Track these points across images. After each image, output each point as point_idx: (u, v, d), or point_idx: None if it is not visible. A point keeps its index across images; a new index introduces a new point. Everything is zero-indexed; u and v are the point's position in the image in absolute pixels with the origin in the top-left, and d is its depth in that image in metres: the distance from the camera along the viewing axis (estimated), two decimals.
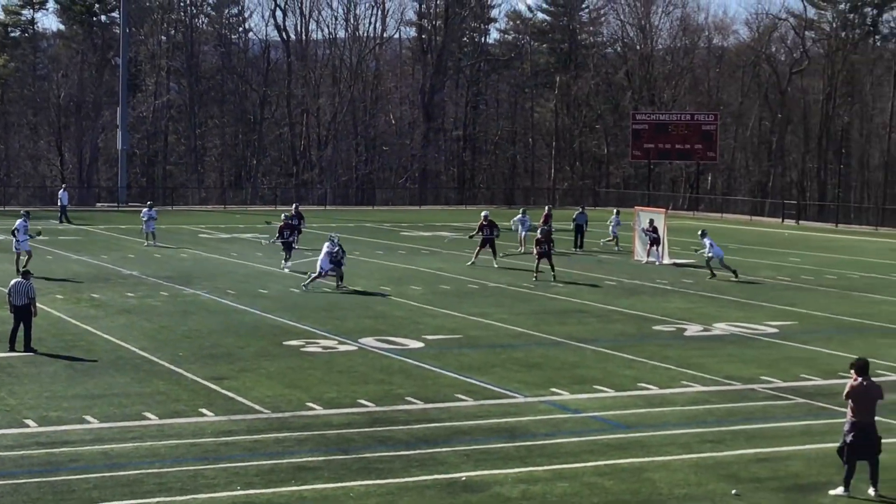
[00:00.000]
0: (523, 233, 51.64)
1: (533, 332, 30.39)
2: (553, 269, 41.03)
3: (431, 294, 37.49)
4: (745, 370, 25.74)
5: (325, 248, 38.21)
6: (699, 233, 44.00)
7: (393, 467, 17.74)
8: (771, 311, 35.05)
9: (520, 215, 52.99)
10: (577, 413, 21.53)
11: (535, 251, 41.88)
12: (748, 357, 27.42)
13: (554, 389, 23.39)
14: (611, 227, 54.07)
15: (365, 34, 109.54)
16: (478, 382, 23.96)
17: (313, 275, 38.19)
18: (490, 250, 45.22)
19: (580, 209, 56.94)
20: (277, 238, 44.34)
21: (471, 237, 47.17)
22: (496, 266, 44.07)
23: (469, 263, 45.10)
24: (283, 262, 43.48)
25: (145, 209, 52.39)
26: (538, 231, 43.44)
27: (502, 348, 28.08)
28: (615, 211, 56.73)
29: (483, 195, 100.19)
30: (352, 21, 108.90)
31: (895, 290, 40.73)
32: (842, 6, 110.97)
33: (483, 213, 46.61)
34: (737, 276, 42.26)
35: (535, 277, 41.02)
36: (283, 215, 46.13)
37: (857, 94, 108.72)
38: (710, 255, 42.63)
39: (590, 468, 17.86)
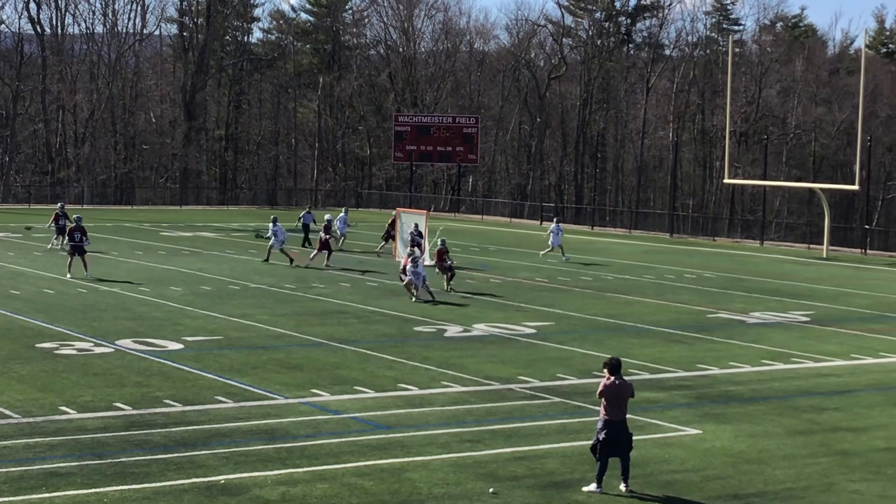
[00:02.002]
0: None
1: (294, 333, 30.26)
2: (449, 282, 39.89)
3: (192, 295, 36.96)
4: (503, 370, 26.15)
5: None
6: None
7: (150, 471, 17.39)
8: (529, 312, 35.73)
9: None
10: (338, 414, 21.51)
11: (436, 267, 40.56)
12: (507, 357, 27.87)
13: (315, 390, 23.32)
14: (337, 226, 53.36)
15: (124, 30, 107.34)
16: (238, 384, 23.71)
17: None
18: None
19: (307, 209, 58.82)
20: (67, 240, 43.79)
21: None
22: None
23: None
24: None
25: None
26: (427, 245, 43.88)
27: (263, 349, 27.87)
28: (344, 209, 57.14)
29: (245, 195, 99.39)
30: (110, 16, 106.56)
31: (647, 291, 42.05)
32: (598, 14, 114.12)
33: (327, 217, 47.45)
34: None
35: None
36: (74, 217, 43.95)
37: (612, 101, 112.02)
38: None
39: (350, 469, 17.85)
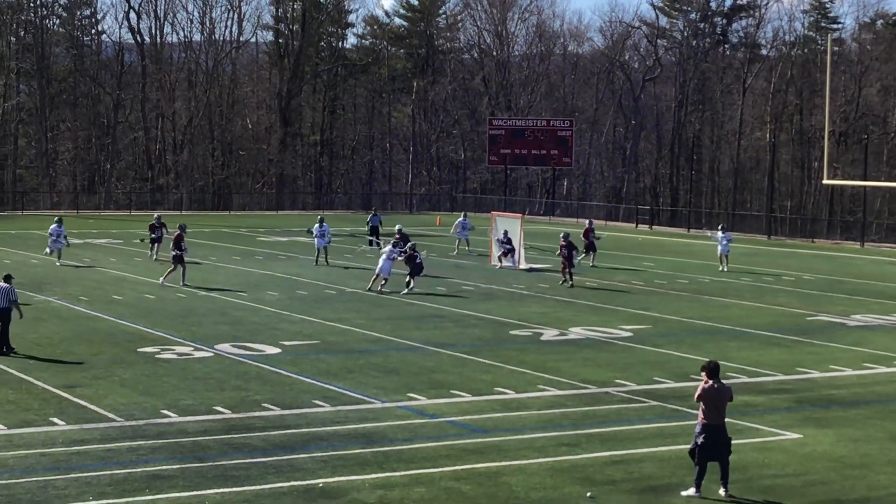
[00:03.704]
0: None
1: (390, 338, 30.39)
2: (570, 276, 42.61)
3: (288, 299, 37.27)
4: (599, 374, 26.06)
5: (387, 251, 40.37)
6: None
7: (249, 474, 17.58)
8: (625, 315, 35.55)
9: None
10: (435, 418, 21.57)
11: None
12: (603, 361, 27.76)
13: (411, 394, 23.41)
14: (456, 231, 55.00)
15: (221, 38, 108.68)
16: (335, 388, 23.87)
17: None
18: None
19: (373, 211, 60.97)
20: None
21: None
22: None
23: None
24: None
25: (53, 225, 47.15)
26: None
27: (360, 353, 28.02)
28: (462, 214, 57.58)
29: (341, 200, 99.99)
30: (207, 24, 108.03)
31: (744, 293, 41.64)
32: (693, 15, 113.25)
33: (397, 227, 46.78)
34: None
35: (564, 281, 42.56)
36: (179, 224, 43.54)
37: (707, 102, 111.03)
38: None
39: (447, 473, 17.90)
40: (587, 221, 53.31)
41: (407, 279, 40.08)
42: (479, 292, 40.29)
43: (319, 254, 47.85)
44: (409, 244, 41.56)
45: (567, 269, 42.60)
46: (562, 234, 43.35)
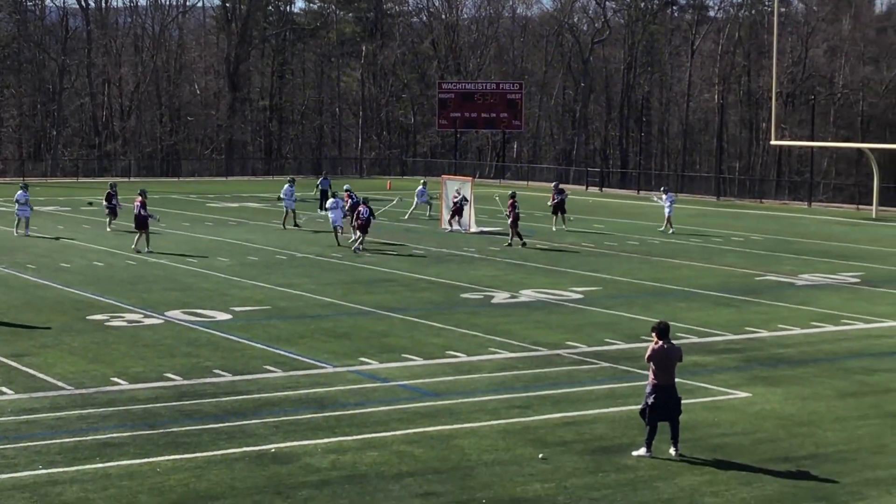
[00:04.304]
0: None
1: (341, 302, 30.36)
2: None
3: (239, 265, 37.13)
4: (551, 336, 26.15)
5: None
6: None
7: (201, 441, 17.53)
8: (576, 277, 35.67)
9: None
10: (386, 382, 21.59)
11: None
12: (554, 323, 27.86)
13: (363, 359, 23.41)
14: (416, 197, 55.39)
15: (167, 2, 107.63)
16: (286, 353, 23.83)
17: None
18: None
19: (324, 175, 60.48)
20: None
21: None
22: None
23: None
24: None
25: (19, 192, 46.05)
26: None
27: (311, 318, 27.98)
28: (422, 181, 57.75)
29: (290, 165, 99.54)
30: None
31: (693, 254, 41.88)
32: None
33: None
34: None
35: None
36: (139, 190, 43.94)
37: (656, 64, 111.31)
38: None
39: (399, 436, 17.92)
40: (554, 185, 52.73)
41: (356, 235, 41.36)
42: (431, 256, 40.29)
43: (288, 216, 48.13)
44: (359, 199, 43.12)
45: (561, 215, 49.13)
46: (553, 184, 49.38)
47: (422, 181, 59.02)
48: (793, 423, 19.06)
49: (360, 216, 41.16)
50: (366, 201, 42.09)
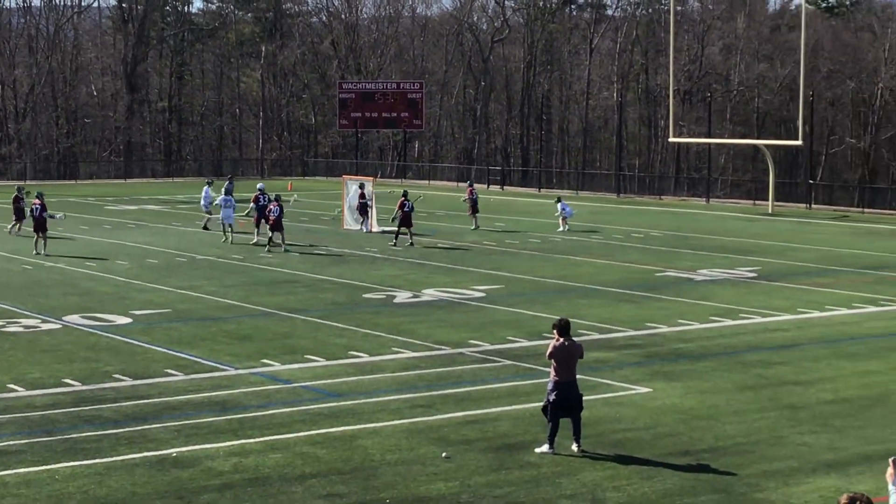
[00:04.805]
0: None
1: (243, 304, 30.16)
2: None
3: (139, 268, 36.74)
4: (454, 334, 26.20)
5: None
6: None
7: (100, 447, 17.31)
8: (478, 275, 35.79)
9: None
10: (289, 383, 21.49)
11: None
12: (456, 321, 27.92)
13: (265, 361, 23.28)
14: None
15: (62, 3, 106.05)
16: (188, 356, 23.62)
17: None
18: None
19: (229, 178, 58.02)
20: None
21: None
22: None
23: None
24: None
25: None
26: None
27: (212, 321, 27.76)
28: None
29: (191, 167, 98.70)
30: None
31: (594, 251, 42.22)
32: None
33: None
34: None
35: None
36: (36, 193, 43.65)
37: (555, 62, 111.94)
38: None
39: (302, 438, 17.85)
40: (468, 183, 52.83)
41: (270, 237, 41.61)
42: (333, 256, 40.18)
43: (226, 229, 44.46)
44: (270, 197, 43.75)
45: (473, 215, 49.64)
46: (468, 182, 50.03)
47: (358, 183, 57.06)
48: (693, 416, 19.29)
49: (272, 214, 41.17)
50: (277, 199, 42.18)
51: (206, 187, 50.10)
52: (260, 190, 45.73)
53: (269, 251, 40.82)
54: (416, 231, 44.85)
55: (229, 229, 43.65)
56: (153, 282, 33.86)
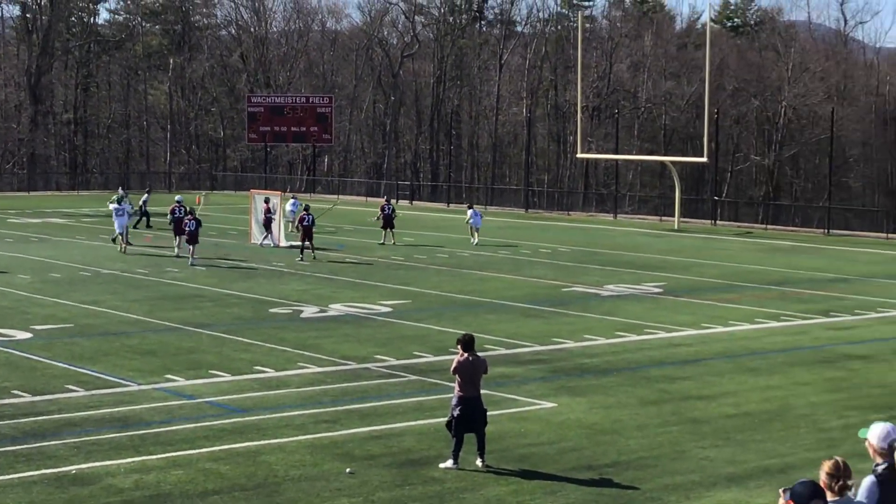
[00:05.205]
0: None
1: (148, 319, 29.83)
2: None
3: (41, 282, 36.21)
4: (360, 349, 26.13)
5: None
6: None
7: None
8: (385, 290, 35.74)
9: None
10: (193, 399, 21.27)
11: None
12: (363, 336, 27.85)
13: (169, 376, 23.03)
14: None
15: None
16: (90, 372, 23.29)
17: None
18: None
19: (147, 191, 58.65)
20: None
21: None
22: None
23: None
24: None
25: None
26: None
27: (115, 336, 27.43)
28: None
29: (97, 180, 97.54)
30: None
31: (502, 266, 42.36)
32: None
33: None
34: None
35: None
36: None
37: (465, 78, 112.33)
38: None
39: (205, 454, 17.67)
40: (385, 198, 52.87)
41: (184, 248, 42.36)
42: (239, 270, 39.92)
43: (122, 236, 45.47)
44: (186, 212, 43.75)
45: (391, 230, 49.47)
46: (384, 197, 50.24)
47: (292, 197, 56.35)
48: (597, 431, 19.40)
49: (188, 228, 41.34)
50: (192, 212, 42.44)
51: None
52: (178, 202, 45.55)
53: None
54: (321, 245, 44.75)
55: (120, 238, 44.73)
56: (56, 296, 33.39)
